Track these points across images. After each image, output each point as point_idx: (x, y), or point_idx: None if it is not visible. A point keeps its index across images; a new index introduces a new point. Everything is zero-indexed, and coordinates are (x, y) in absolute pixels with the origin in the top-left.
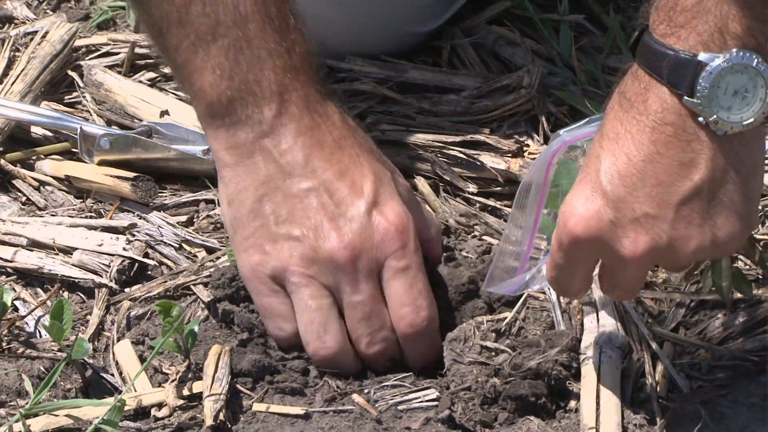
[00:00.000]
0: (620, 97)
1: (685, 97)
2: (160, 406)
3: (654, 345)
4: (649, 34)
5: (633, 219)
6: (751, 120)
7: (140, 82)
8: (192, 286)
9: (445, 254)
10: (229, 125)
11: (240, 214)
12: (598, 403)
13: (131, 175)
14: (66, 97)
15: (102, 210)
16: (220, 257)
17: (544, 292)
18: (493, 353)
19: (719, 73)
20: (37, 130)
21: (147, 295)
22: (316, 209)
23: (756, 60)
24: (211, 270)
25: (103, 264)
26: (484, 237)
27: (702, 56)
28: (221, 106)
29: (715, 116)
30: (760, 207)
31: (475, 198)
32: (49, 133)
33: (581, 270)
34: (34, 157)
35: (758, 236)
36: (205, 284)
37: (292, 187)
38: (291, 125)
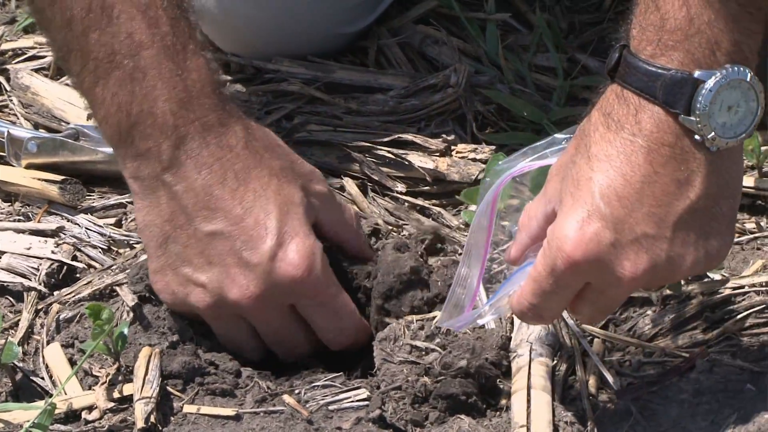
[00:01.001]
0: (606, 119)
1: (682, 116)
2: (90, 409)
3: (584, 342)
4: (634, 55)
5: (633, 240)
6: (743, 134)
7: (67, 85)
8: (117, 288)
9: (393, 240)
10: (134, 156)
11: (149, 247)
12: (528, 401)
13: (59, 178)
14: None
15: (30, 213)
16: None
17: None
18: (424, 352)
19: (718, 89)
20: None
21: (76, 297)
22: (220, 255)
23: (749, 74)
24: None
25: (32, 267)
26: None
27: (698, 74)
28: (122, 138)
29: (713, 133)
30: None
31: (404, 197)
32: None
33: (567, 295)
34: None
35: None
36: (122, 287)
37: (196, 230)
38: (189, 162)
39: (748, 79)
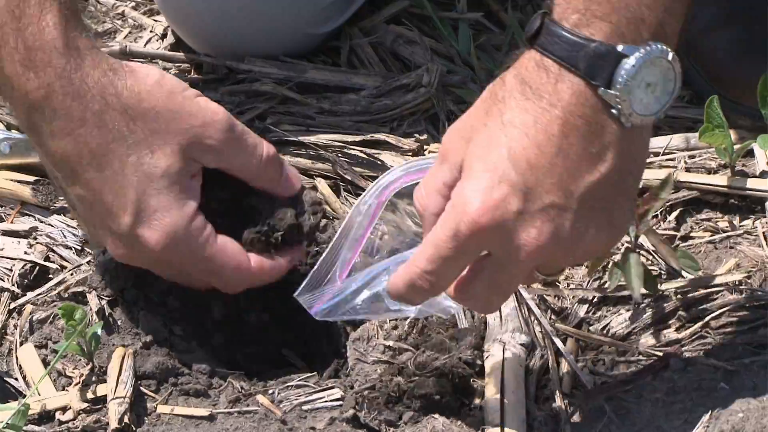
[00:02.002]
0: (523, 87)
1: (602, 89)
2: (64, 409)
3: (557, 341)
4: (557, 23)
5: (540, 209)
6: (658, 112)
7: None
8: (87, 292)
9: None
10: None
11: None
12: (502, 400)
13: (32, 179)
14: None
15: (3, 214)
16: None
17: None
18: (397, 352)
19: (641, 65)
20: None
21: (49, 298)
22: (90, 219)
23: (671, 53)
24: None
25: (5, 268)
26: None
27: (622, 48)
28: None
29: (630, 108)
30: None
31: None
32: None
33: (464, 263)
34: None
35: (660, 231)
36: (95, 288)
37: (66, 192)
38: (45, 131)
39: (670, 58)
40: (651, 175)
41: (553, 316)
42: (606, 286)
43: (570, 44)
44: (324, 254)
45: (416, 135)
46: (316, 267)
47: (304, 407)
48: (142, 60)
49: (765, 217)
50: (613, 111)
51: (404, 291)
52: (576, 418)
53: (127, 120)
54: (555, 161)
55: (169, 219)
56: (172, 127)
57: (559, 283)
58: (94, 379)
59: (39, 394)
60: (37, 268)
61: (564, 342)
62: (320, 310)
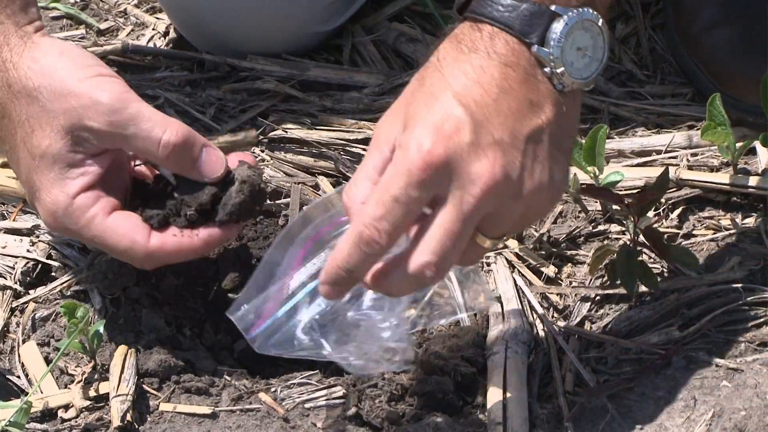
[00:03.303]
0: (458, 45)
1: (536, 46)
2: (66, 407)
3: (560, 339)
4: None
5: (491, 143)
6: (589, 79)
7: None
8: (89, 291)
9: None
10: None
11: None
12: (505, 399)
13: None
14: None
15: (5, 212)
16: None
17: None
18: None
19: (573, 25)
20: None
21: (51, 296)
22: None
23: (601, 20)
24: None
25: (7, 266)
26: None
27: (554, 8)
28: None
29: (563, 68)
30: (663, 200)
31: None
32: None
33: (415, 210)
34: None
35: (662, 229)
36: (98, 286)
37: None
38: None
39: (600, 24)
40: (653, 173)
41: (555, 315)
42: (607, 283)
43: (503, 6)
44: (260, 264)
45: None
46: (252, 279)
47: (307, 405)
48: (146, 58)
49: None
50: (546, 70)
51: (351, 252)
52: (578, 415)
53: (11, 97)
54: (499, 99)
55: (49, 198)
56: (54, 107)
57: (562, 281)
58: (96, 377)
59: (41, 392)
60: (40, 266)
61: (566, 340)
62: (259, 333)
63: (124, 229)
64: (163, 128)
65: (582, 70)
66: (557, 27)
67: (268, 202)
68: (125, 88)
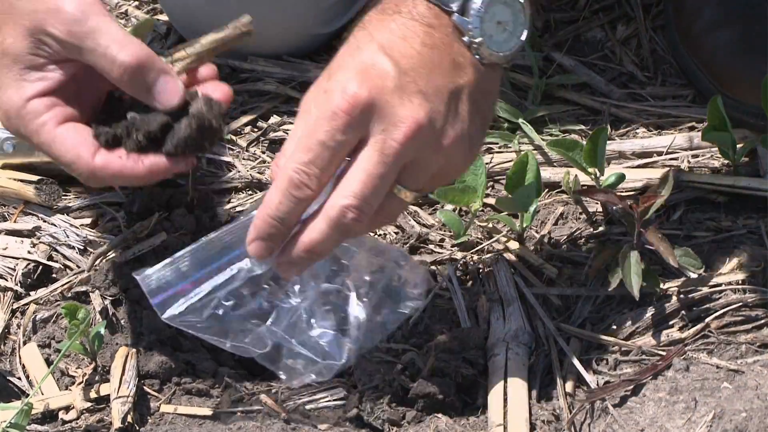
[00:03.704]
0: (382, 9)
1: (456, 15)
2: (67, 409)
3: (561, 341)
4: None
5: (416, 90)
6: (508, 54)
7: None
8: (90, 293)
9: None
10: None
11: None
12: (505, 400)
13: (35, 178)
14: None
15: (6, 213)
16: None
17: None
18: (400, 352)
19: None
20: None
21: (52, 297)
22: None
23: None
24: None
25: (8, 267)
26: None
27: None
28: None
29: (481, 38)
30: (664, 202)
31: None
32: None
33: (341, 153)
34: None
35: (663, 230)
36: (98, 287)
37: None
38: None
39: (522, 1)
40: (654, 174)
41: (556, 316)
42: (609, 285)
43: None
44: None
45: None
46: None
47: (308, 406)
48: None
49: None
50: (465, 39)
51: (281, 200)
52: (579, 417)
53: None
54: (423, 53)
55: (5, 97)
56: (20, 7)
57: (563, 282)
58: (97, 378)
59: (42, 394)
60: (41, 267)
61: (567, 342)
62: (167, 298)
63: (71, 142)
64: (121, 47)
65: (501, 44)
66: None
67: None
68: (95, 0)
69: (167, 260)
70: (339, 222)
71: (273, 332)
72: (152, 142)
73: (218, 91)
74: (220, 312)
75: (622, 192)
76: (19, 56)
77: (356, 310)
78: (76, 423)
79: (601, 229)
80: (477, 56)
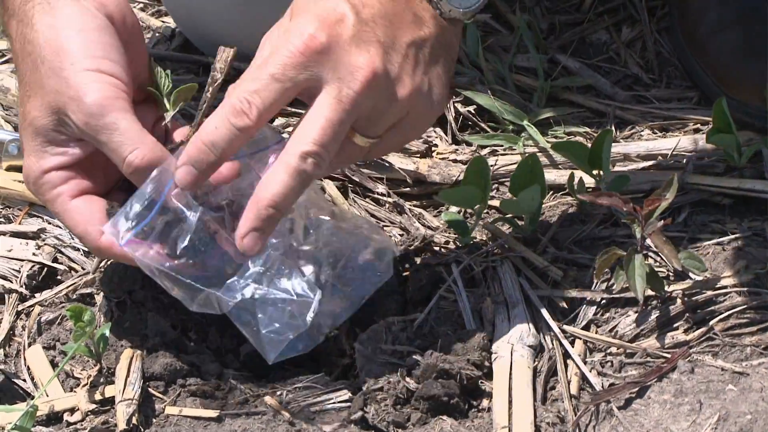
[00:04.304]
0: None
1: None
2: (72, 411)
3: (565, 343)
4: None
5: (373, 40)
6: (468, 10)
7: None
8: (95, 294)
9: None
10: None
11: None
12: (510, 402)
13: None
14: None
15: (11, 215)
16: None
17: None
18: (405, 354)
19: None
20: None
21: (57, 299)
22: None
23: None
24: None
25: (13, 269)
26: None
27: None
28: None
29: None
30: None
31: (384, 198)
32: None
33: (288, 92)
34: None
35: (668, 233)
36: (103, 289)
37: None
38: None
39: None
40: (659, 177)
41: (560, 318)
42: (613, 287)
43: None
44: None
45: (424, 137)
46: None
47: (312, 408)
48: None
49: None
50: None
51: (218, 124)
52: (584, 419)
53: (24, 54)
54: (384, 3)
55: (28, 163)
56: (49, 83)
57: (568, 285)
58: (102, 380)
59: (47, 396)
60: (46, 269)
61: (572, 344)
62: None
63: (81, 217)
64: (132, 147)
65: (461, 0)
66: None
67: None
68: (115, 92)
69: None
70: (299, 169)
71: (241, 283)
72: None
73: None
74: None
75: (626, 194)
76: (42, 130)
77: (321, 276)
78: (81, 425)
79: (605, 231)
80: (438, 11)
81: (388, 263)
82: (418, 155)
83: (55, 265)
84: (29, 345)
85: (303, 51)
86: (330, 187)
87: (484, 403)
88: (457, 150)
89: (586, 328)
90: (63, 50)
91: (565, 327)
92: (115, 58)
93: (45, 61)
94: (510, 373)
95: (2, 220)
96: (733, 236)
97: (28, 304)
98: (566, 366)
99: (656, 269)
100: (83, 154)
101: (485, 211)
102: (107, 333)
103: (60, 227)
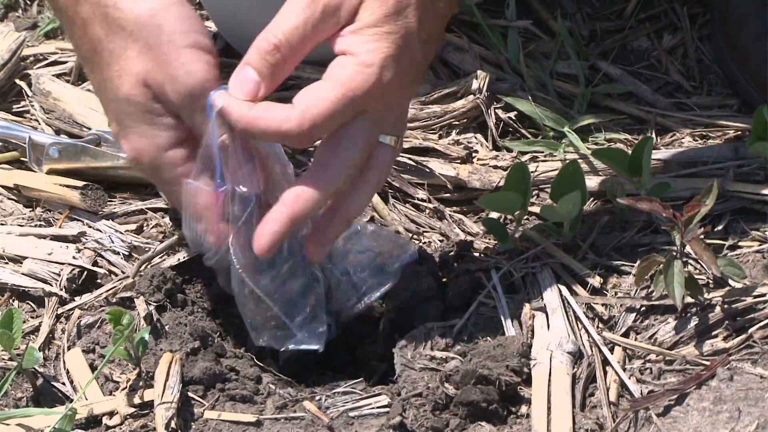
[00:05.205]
0: None
1: None
2: (111, 414)
3: (605, 350)
4: None
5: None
6: None
7: (88, 90)
8: (134, 298)
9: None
10: None
11: None
12: (549, 409)
13: (80, 183)
14: (14, 107)
15: (51, 219)
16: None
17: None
18: (444, 360)
19: None
20: None
21: (97, 303)
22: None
23: None
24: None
25: (53, 273)
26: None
27: None
28: None
29: None
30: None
31: (425, 204)
32: None
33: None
34: None
35: (708, 240)
36: (143, 293)
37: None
38: (66, 23)
39: None
40: (699, 184)
41: (600, 325)
42: (652, 294)
43: None
44: None
45: (465, 142)
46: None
47: (351, 414)
48: None
49: None
50: None
51: (274, 136)
52: (622, 426)
53: (108, 32)
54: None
55: (137, 144)
56: (143, 59)
57: (607, 291)
58: (141, 384)
59: (86, 399)
60: (85, 272)
61: (611, 350)
62: None
63: (203, 199)
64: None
65: None
66: None
67: None
68: (213, 72)
69: None
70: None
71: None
72: None
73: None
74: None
75: (666, 201)
76: (142, 106)
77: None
78: (120, 428)
79: (645, 238)
80: None
81: (397, 270)
82: (459, 161)
83: (94, 268)
84: (69, 348)
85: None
86: None
87: (523, 409)
88: (497, 156)
89: (626, 334)
90: (157, 26)
91: (605, 334)
92: (203, 30)
93: (139, 38)
94: (549, 380)
95: (42, 223)
96: None
97: (67, 307)
98: (605, 373)
99: (695, 276)
100: (187, 128)
101: (525, 217)
102: (146, 337)
103: (100, 230)
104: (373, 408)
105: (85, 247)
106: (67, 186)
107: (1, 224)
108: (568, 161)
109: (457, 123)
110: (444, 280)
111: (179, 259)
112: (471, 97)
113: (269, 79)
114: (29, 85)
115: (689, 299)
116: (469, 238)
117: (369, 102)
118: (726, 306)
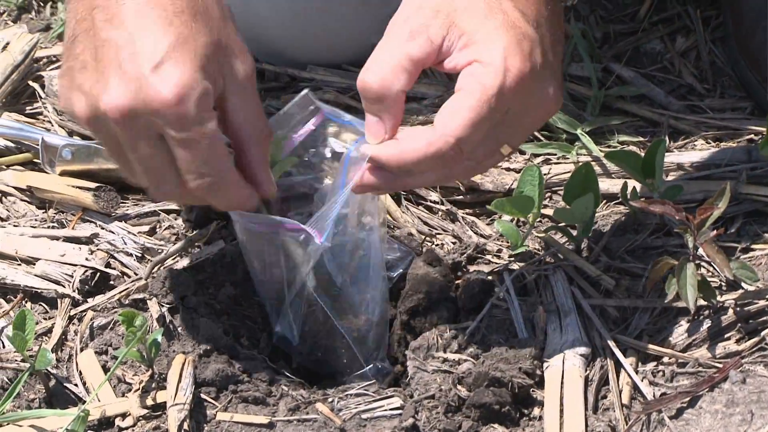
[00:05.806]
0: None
1: None
2: (123, 416)
3: (617, 352)
4: None
5: (549, 60)
6: None
7: None
8: (147, 300)
9: (425, 253)
10: None
11: (63, 49)
12: (561, 411)
13: (93, 185)
14: (27, 108)
15: (64, 220)
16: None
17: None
18: (457, 362)
19: None
20: None
21: (109, 304)
22: (107, 61)
23: None
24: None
25: (66, 274)
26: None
27: None
28: None
29: None
30: (722, 214)
31: (437, 206)
32: (11, 144)
33: (496, 124)
34: None
35: (721, 243)
36: (156, 295)
37: (96, 34)
38: None
39: None
40: (712, 187)
41: (612, 327)
42: (666, 297)
43: None
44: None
45: None
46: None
47: (364, 416)
48: None
49: None
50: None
51: (428, 161)
52: (635, 429)
53: (142, 17)
54: (541, 23)
55: (189, 77)
56: (211, 34)
57: (620, 294)
58: (153, 385)
59: (99, 400)
60: (98, 274)
61: (624, 353)
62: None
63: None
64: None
65: None
66: None
67: None
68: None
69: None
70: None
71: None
72: None
73: None
74: None
75: (679, 204)
76: (203, 58)
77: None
78: (133, 430)
79: (658, 240)
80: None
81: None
82: None
83: (107, 270)
84: (81, 350)
85: (516, 86)
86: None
87: (536, 411)
88: (510, 158)
89: (638, 337)
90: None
91: (617, 336)
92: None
93: (198, 16)
94: (561, 382)
95: (55, 225)
96: None
97: (80, 308)
98: (618, 375)
99: (708, 279)
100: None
101: (538, 219)
102: (159, 338)
103: (113, 232)
104: (385, 410)
105: (98, 249)
106: (80, 187)
107: (14, 226)
108: (581, 164)
109: None
110: (457, 282)
111: (192, 261)
112: None
113: (388, 117)
114: (42, 86)
115: (702, 302)
116: (482, 240)
117: (506, 98)
118: (738, 309)
